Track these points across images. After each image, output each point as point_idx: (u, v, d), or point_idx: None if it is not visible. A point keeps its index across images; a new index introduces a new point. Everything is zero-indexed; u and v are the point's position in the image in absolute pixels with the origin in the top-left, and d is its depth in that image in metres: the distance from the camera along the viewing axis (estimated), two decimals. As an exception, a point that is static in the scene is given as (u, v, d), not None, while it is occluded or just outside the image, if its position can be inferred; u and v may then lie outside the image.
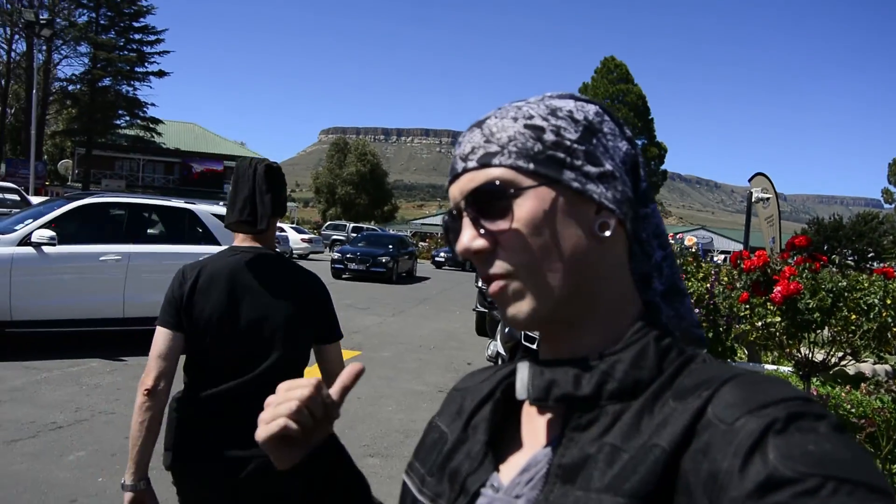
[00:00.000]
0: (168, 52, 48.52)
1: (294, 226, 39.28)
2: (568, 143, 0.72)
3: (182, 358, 2.20)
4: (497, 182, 0.71)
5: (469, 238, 0.72)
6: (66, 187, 43.15)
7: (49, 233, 7.72)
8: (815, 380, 5.88)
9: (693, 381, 0.66)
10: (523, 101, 0.77)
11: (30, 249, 7.63)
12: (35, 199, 16.53)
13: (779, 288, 4.75)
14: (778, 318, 4.90)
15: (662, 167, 61.72)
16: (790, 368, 4.95)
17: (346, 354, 8.88)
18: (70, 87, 46.10)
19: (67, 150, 53.51)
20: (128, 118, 47.67)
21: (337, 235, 40.18)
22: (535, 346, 4.25)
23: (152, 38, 47.37)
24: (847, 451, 0.55)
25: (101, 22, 45.54)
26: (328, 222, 49.17)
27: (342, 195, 67.31)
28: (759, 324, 5.25)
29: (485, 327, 11.66)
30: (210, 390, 2.15)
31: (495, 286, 0.72)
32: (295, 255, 30.84)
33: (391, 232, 35.96)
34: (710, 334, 5.71)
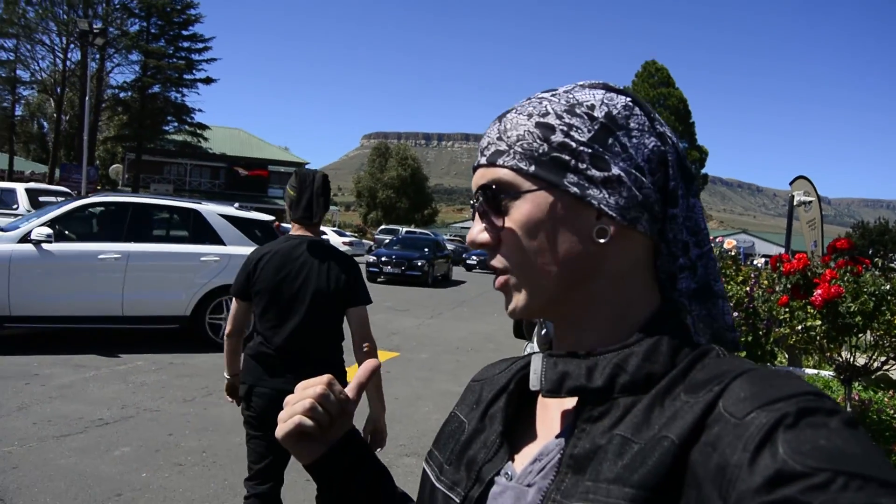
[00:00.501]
0: (215, 59, 49.47)
1: (336, 229, 39.69)
2: (574, 144, 0.72)
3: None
4: (494, 186, 0.74)
5: (477, 231, 0.77)
6: (117, 191, 44.26)
7: (47, 230, 7.92)
8: (856, 384, 5.76)
9: (705, 376, 0.65)
10: (550, 92, 0.77)
11: (29, 247, 7.84)
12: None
13: (819, 291, 4.67)
14: (818, 322, 4.81)
15: (703, 171, 60.82)
16: (831, 373, 4.86)
17: (385, 356, 8.98)
18: (121, 94, 47.32)
19: (118, 155, 54.91)
20: (176, 124, 48.71)
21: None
22: None
23: (200, 45, 48.36)
24: (859, 446, 0.54)
25: (152, 31, 46.65)
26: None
27: (383, 199, 67.77)
28: (800, 327, 5.17)
29: (521, 329, 11.64)
30: (266, 339, 2.98)
31: (499, 279, 0.76)
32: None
33: (429, 234, 35.90)
34: (750, 338, 5.63)
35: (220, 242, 8.89)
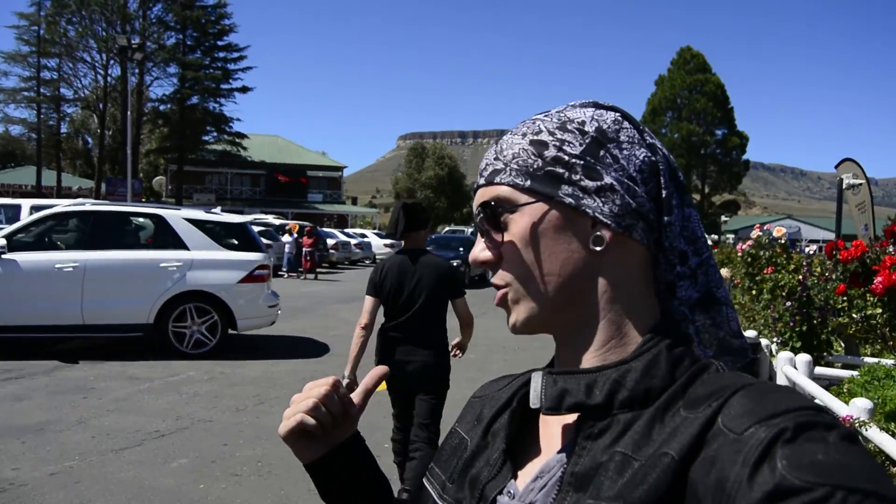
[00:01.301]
0: (251, 67, 50.28)
1: (376, 231, 39.91)
2: (567, 157, 0.74)
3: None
4: (493, 202, 0.77)
5: (479, 249, 0.79)
6: (160, 203, 45.22)
7: (1, 241, 8.15)
8: (921, 374, 5.57)
9: (705, 391, 0.66)
10: (543, 113, 0.80)
11: None
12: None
13: (880, 278, 4.52)
14: (879, 310, 4.67)
15: (745, 157, 59.78)
16: (893, 361, 4.70)
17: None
18: (161, 107, 48.38)
19: (161, 167, 56.05)
20: (215, 134, 49.57)
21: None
22: None
23: (235, 55, 49.23)
24: (858, 460, 0.54)
25: (188, 43, 47.59)
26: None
27: (421, 199, 67.97)
28: (858, 316, 5.02)
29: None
30: (392, 323, 4.18)
31: (498, 295, 0.78)
32: (378, 259, 31.34)
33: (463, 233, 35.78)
34: (804, 327, 5.49)
35: (184, 247, 8.84)
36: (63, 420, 5.95)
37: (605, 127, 0.76)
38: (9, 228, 8.57)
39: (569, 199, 0.73)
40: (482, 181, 0.79)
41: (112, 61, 44.70)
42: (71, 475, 4.73)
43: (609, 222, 0.73)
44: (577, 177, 0.74)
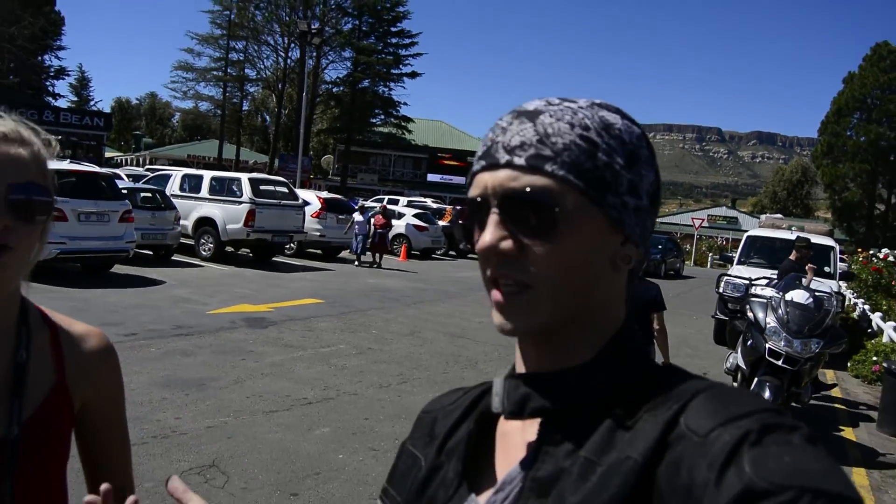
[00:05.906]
0: (421, 54, 51.40)
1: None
2: (617, 167, 0.69)
3: None
4: (535, 191, 0.67)
5: (495, 237, 0.69)
6: (327, 181, 47.73)
7: None
8: None
9: (666, 394, 0.66)
10: (573, 103, 0.72)
11: None
12: (300, 192, 18.28)
13: None
14: None
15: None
16: None
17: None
18: (334, 89, 50.71)
19: (330, 146, 58.84)
20: (382, 117, 51.31)
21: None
22: (780, 363, 4.04)
23: (407, 41, 50.50)
24: (820, 462, 0.55)
25: (363, 28, 49.45)
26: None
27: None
28: None
29: (724, 336, 10.91)
30: None
31: (509, 290, 0.69)
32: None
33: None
34: None
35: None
36: (222, 378, 6.38)
37: (634, 142, 0.72)
38: None
39: (613, 212, 0.69)
40: (520, 161, 0.68)
41: (293, 45, 47.44)
42: (224, 430, 5.06)
43: (639, 243, 0.72)
44: (622, 190, 0.70)
